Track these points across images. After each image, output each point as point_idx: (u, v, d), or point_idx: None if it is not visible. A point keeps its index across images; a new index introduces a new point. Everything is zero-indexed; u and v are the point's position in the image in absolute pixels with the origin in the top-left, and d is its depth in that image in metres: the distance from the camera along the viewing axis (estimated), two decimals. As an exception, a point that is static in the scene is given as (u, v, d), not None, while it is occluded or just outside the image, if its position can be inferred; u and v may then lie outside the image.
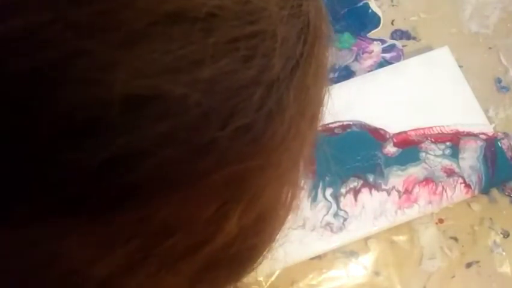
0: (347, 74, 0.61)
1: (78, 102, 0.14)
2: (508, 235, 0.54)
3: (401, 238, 0.54)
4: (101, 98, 0.14)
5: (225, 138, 0.16)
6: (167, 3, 0.15)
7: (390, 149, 0.56)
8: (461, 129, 0.56)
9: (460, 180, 0.54)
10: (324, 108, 0.23)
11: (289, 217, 0.23)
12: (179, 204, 0.16)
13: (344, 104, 0.57)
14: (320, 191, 0.54)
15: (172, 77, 0.15)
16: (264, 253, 0.23)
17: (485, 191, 0.55)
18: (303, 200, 0.53)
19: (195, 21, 0.15)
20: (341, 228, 0.53)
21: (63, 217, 0.15)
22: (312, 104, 0.20)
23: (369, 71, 0.60)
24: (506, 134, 0.58)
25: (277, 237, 0.23)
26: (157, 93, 0.15)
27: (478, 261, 0.53)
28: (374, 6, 0.64)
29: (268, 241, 0.23)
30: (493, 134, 0.56)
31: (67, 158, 0.14)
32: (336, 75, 0.61)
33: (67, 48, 0.14)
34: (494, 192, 0.56)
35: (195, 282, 0.19)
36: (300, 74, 0.18)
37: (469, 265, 0.53)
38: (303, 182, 0.23)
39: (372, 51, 0.62)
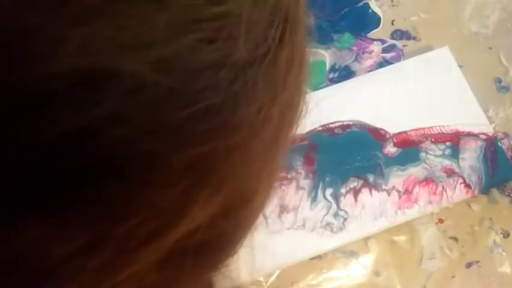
0: (347, 74, 0.61)
1: (28, 77, 0.14)
2: (508, 235, 0.54)
3: (401, 238, 0.54)
4: (52, 73, 0.14)
5: (185, 119, 0.15)
6: None
7: (391, 149, 0.56)
8: (461, 129, 0.56)
9: (460, 180, 0.55)
10: (304, 100, 0.22)
11: (265, 208, 0.23)
12: (136, 187, 0.15)
13: (344, 104, 0.57)
14: (320, 191, 0.54)
15: (127, 55, 0.14)
16: (239, 241, 0.22)
17: (485, 191, 0.55)
18: (303, 200, 0.53)
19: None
20: (341, 228, 0.53)
21: (20, 193, 0.14)
22: (287, 93, 0.19)
23: (369, 71, 0.60)
24: (506, 134, 0.58)
25: (253, 226, 0.23)
26: (110, 71, 0.14)
27: (478, 261, 0.53)
28: (374, 6, 0.64)
29: (241, 229, 0.22)
30: (493, 134, 0.56)
31: (16, 133, 0.14)
32: (336, 75, 0.61)
33: (18, 23, 0.14)
34: (494, 192, 0.56)
35: (161, 270, 0.18)
36: (271, 60, 0.17)
37: (469, 265, 0.53)
38: (283, 175, 0.22)
39: (373, 51, 0.62)
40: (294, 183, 0.54)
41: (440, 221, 0.55)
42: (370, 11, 0.64)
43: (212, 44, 0.16)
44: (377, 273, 0.53)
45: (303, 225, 0.53)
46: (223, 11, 0.16)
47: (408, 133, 0.56)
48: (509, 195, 0.56)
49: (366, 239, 0.54)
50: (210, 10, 0.16)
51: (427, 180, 0.54)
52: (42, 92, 0.14)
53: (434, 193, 0.54)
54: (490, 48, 0.62)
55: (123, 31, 0.14)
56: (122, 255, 0.16)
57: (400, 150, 0.56)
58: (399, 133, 0.56)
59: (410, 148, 0.56)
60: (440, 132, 0.56)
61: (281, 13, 0.18)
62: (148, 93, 0.15)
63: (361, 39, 0.62)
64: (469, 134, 0.56)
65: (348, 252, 0.53)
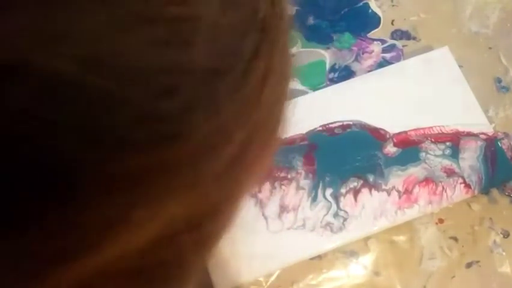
0: (347, 74, 0.61)
1: None
2: (508, 235, 0.54)
3: (401, 238, 0.54)
4: None
5: (117, 125, 0.14)
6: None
7: (391, 149, 0.56)
8: (461, 129, 0.56)
9: (460, 180, 0.55)
10: (284, 119, 0.20)
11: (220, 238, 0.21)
12: (50, 202, 0.14)
13: (344, 104, 0.57)
14: (319, 191, 0.54)
15: (48, 48, 0.13)
16: (211, 249, 0.20)
17: (485, 191, 0.55)
18: (303, 200, 0.53)
19: None
20: (341, 228, 0.53)
21: None
22: (260, 112, 0.17)
23: (369, 71, 0.60)
24: (506, 134, 0.58)
25: (222, 235, 0.21)
26: (23, 63, 0.13)
27: (478, 261, 0.53)
28: (374, 6, 0.64)
29: (208, 241, 0.20)
30: (493, 134, 0.56)
31: None
32: (336, 75, 0.61)
33: None
34: (494, 192, 0.56)
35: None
36: (240, 73, 0.16)
37: (469, 265, 0.53)
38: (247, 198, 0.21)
39: (373, 51, 0.62)
40: (294, 183, 0.54)
41: (440, 221, 0.55)
42: (370, 11, 0.64)
43: (164, 47, 0.14)
44: (377, 273, 0.53)
45: (303, 225, 0.53)
46: (183, 12, 0.15)
47: (408, 133, 0.56)
48: (509, 195, 0.56)
49: (366, 239, 0.54)
50: (168, 9, 0.14)
51: (427, 180, 0.54)
52: None
53: (434, 193, 0.54)
54: (490, 48, 0.62)
55: (50, 22, 0.13)
56: (40, 274, 0.15)
57: (400, 150, 0.56)
58: (399, 133, 0.56)
59: (410, 148, 0.56)
60: (440, 132, 0.56)
61: (256, 23, 0.17)
62: (67, 92, 0.13)
63: (361, 39, 0.62)
64: (469, 134, 0.56)
65: (348, 252, 0.53)
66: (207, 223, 0.19)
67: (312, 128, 0.56)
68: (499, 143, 0.56)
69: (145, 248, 0.16)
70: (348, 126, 0.56)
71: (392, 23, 0.63)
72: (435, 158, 0.55)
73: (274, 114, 0.20)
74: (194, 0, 0.15)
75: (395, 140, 0.56)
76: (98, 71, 0.13)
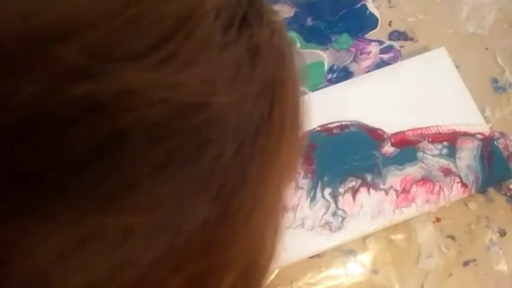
0: (345, 74, 0.61)
1: None
2: (505, 233, 0.55)
3: (398, 237, 0.54)
4: None
5: (181, 246, 0.15)
6: (93, 134, 0.14)
7: (388, 148, 0.56)
8: (458, 129, 0.57)
9: (457, 179, 0.55)
10: (302, 144, 0.21)
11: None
12: None
13: (342, 104, 0.58)
14: (318, 190, 0.54)
15: (109, 210, 0.14)
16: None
17: (481, 190, 0.56)
18: (302, 199, 0.54)
19: (130, 141, 0.14)
20: (339, 227, 0.53)
21: None
22: (281, 158, 0.19)
23: (367, 72, 0.61)
24: (502, 134, 0.58)
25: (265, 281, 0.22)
26: (98, 230, 0.14)
27: (474, 260, 0.54)
28: (371, 8, 0.64)
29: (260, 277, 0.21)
30: (490, 134, 0.57)
31: None
32: (334, 75, 0.61)
33: None
34: (491, 191, 0.56)
35: None
36: (260, 144, 0.17)
37: (466, 263, 0.53)
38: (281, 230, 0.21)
39: (370, 52, 0.62)
40: (293, 183, 0.54)
41: (438, 219, 0.55)
42: (368, 12, 0.64)
43: (200, 158, 0.15)
44: (375, 272, 0.53)
45: (302, 225, 0.53)
46: (204, 120, 0.15)
47: (406, 133, 0.57)
48: (505, 194, 0.56)
49: (365, 238, 0.54)
50: (195, 122, 0.15)
51: (424, 180, 0.55)
52: None
53: (432, 192, 0.55)
54: (487, 48, 0.62)
55: (103, 187, 0.14)
56: None
57: (398, 150, 0.56)
58: (397, 133, 0.57)
59: (407, 148, 0.56)
60: (437, 132, 0.57)
61: (268, 85, 0.18)
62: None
63: (359, 40, 0.63)
64: (466, 134, 0.57)
65: (346, 251, 0.54)
66: (262, 256, 0.20)
67: (310, 128, 0.56)
68: (495, 142, 0.57)
69: None
70: (347, 126, 0.57)
71: (390, 24, 0.64)
72: (432, 157, 0.56)
73: (292, 160, 0.21)
74: (208, 105, 0.16)
75: (392, 140, 0.56)
76: (149, 217, 0.15)
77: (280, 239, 0.21)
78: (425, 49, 0.62)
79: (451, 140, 0.57)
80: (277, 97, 0.18)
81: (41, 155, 0.14)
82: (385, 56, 0.62)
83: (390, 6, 0.65)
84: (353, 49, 0.62)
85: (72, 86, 0.14)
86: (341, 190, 0.54)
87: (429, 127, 0.57)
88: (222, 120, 0.16)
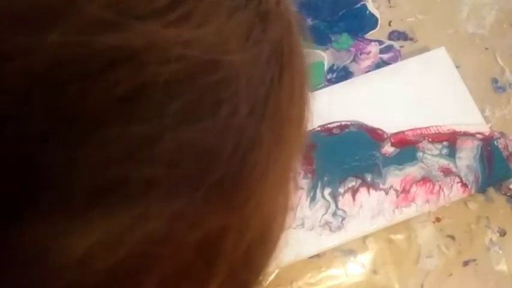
0: (345, 74, 0.61)
1: None
2: (505, 233, 0.55)
3: (398, 237, 0.54)
4: None
5: (199, 200, 0.16)
6: (119, 86, 0.14)
7: (388, 148, 0.56)
8: (457, 129, 0.57)
9: (457, 179, 0.55)
10: (309, 113, 0.22)
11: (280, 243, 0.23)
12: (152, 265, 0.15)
13: (342, 104, 0.58)
14: (318, 190, 0.54)
15: (131, 161, 0.14)
16: (264, 269, 0.22)
17: (481, 190, 0.56)
18: (302, 199, 0.54)
19: (151, 95, 0.15)
20: (339, 227, 0.53)
21: None
22: (291, 123, 0.20)
23: (367, 72, 0.61)
24: (502, 134, 0.58)
25: (275, 256, 0.23)
26: (122, 178, 0.14)
27: (474, 260, 0.54)
28: (371, 8, 0.64)
29: (265, 263, 0.22)
30: (490, 134, 0.57)
31: None
32: (334, 76, 0.61)
33: None
34: (491, 191, 0.56)
35: None
36: (271, 106, 0.18)
37: (466, 263, 0.54)
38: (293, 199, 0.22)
39: (370, 52, 0.62)
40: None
41: (437, 219, 0.55)
42: (368, 12, 0.64)
43: (215, 114, 0.16)
44: (375, 272, 0.53)
45: (302, 225, 0.53)
46: (219, 78, 0.16)
47: (406, 133, 0.57)
48: (505, 194, 0.56)
49: (365, 238, 0.54)
50: (210, 80, 0.16)
51: (424, 180, 0.55)
52: None
53: (431, 192, 0.55)
54: (487, 48, 0.62)
55: (123, 138, 0.15)
56: None
57: (397, 150, 0.56)
58: (397, 133, 0.57)
59: (407, 148, 0.56)
60: (437, 132, 0.57)
61: (275, 58, 0.18)
62: (160, 188, 0.15)
63: (359, 40, 0.63)
64: (466, 134, 0.57)
65: (346, 251, 0.54)
66: (272, 231, 0.21)
67: (310, 128, 0.56)
68: (495, 142, 0.57)
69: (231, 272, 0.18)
70: (346, 126, 0.57)
71: (390, 24, 0.64)
72: (432, 157, 0.56)
73: (301, 128, 0.21)
74: (221, 63, 0.16)
75: (392, 140, 0.56)
76: (174, 164, 0.15)
77: (290, 213, 0.22)
78: (425, 49, 0.62)
79: (450, 140, 0.57)
80: (286, 63, 0.19)
81: (66, 104, 0.14)
82: (385, 56, 0.62)
83: (390, 6, 0.65)
84: (352, 49, 0.62)
85: (99, 37, 0.14)
86: (341, 190, 0.54)
87: (429, 127, 0.57)
88: (235, 79, 0.17)
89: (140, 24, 0.15)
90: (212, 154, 0.16)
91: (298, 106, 0.20)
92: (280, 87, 0.18)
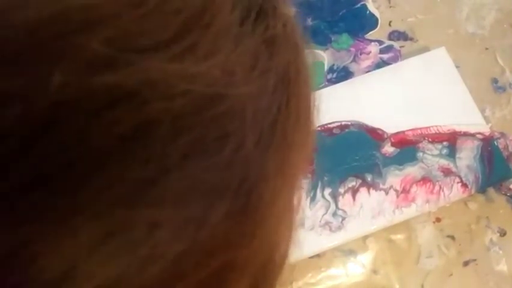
0: (345, 74, 0.61)
1: None
2: (505, 233, 0.55)
3: (398, 237, 0.54)
4: None
5: (205, 238, 0.15)
6: (119, 125, 0.14)
7: (388, 148, 0.56)
8: (458, 129, 0.57)
9: (457, 179, 0.55)
10: (313, 137, 0.22)
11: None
12: None
13: (342, 104, 0.58)
14: (318, 190, 0.54)
15: (135, 204, 0.14)
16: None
17: (481, 190, 0.56)
18: (302, 200, 0.54)
19: (154, 133, 0.14)
20: (339, 227, 0.53)
21: None
22: (296, 149, 0.19)
23: (367, 72, 0.61)
24: (502, 134, 0.58)
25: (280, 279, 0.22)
26: (125, 224, 0.14)
27: (474, 260, 0.54)
28: (371, 8, 0.64)
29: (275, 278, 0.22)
30: (490, 134, 0.57)
31: None
32: (334, 75, 0.61)
33: None
34: (491, 191, 0.56)
35: None
36: (277, 134, 0.17)
37: (466, 263, 0.54)
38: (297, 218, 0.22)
39: (370, 52, 0.62)
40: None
41: (438, 219, 0.55)
42: (368, 12, 0.64)
43: (220, 149, 0.15)
44: (375, 272, 0.53)
45: (302, 225, 0.53)
46: (224, 110, 0.16)
47: (406, 133, 0.57)
48: (505, 194, 0.56)
49: (365, 238, 0.54)
50: (215, 114, 0.15)
51: (424, 180, 0.55)
52: None
53: (432, 192, 0.55)
54: (487, 48, 0.63)
55: (122, 182, 0.14)
56: None
57: (398, 150, 0.56)
58: (397, 133, 0.57)
59: (407, 148, 0.56)
60: (437, 132, 0.57)
61: (284, 78, 0.18)
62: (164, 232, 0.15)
63: (359, 40, 0.63)
64: (466, 134, 0.57)
65: (346, 251, 0.54)
66: (277, 251, 0.20)
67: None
68: (495, 142, 0.57)
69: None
70: (346, 126, 0.57)
71: (390, 24, 0.64)
72: (432, 157, 0.56)
73: (305, 153, 0.21)
74: (226, 96, 0.16)
75: (392, 140, 0.56)
76: (180, 204, 0.15)
77: (294, 236, 0.22)
78: (425, 49, 0.62)
79: (450, 140, 0.57)
80: (292, 89, 0.18)
81: (67, 146, 0.14)
82: (385, 56, 0.62)
83: (390, 6, 0.65)
84: (352, 49, 0.62)
85: (98, 77, 0.14)
86: (341, 190, 0.54)
87: (429, 127, 0.57)
88: (241, 112, 0.16)
89: (142, 60, 0.14)
90: (218, 191, 0.15)
91: (304, 131, 0.20)
92: (287, 114, 0.18)
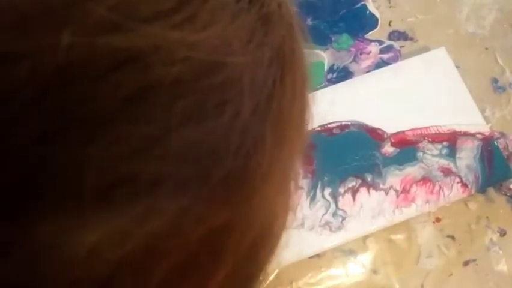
0: (345, 74, 0.61)
1: None
2: (505, 233, 0.55)
3: (398, 237, 0.54)
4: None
5: (205, 196, 0.16)
6: (125, 86, 0.15)
7: (388, 148, 0.56)
8: (458, 129, 0.57)
9: (457, 179, 0.55)
10: (310, 116, 0.23)
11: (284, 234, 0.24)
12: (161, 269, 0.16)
13: (342, 104, 0.58)
14: (318, 190, 0.54)
15: (139, 159, 0.15)
16: (266, 267, 0.23)
17: (481, 190, 0.56)
18: (302, 199, 0.54)
19: (157, 95, 0.15)
20: (339, 227, 0.53)
21: None
22: (293, 125, 0.20)
23: (367, 72, 0.61)
24: (502, 134, 0.58)
25: (276, 253, 0.23)
26: (130, 176, 0.15)
27: (474, 260, 0.54)
28: (371, 8, 0.64)
29: (267, 260, 0.23)
30: (490, 134, 0.57)
31: None
32: (334, 76, 0.61)
33: None
34: (491, 191, 0.56)
35: None
36: (274, 107, 0.18)
37: (466, 263, 0.54)
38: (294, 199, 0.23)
39: (370, 52, 0.62)
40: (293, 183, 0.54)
41: (437, 219, 0.55)
42: (368, 12, 0.64)
43: (219, 114, 0.16)
44: (375, 272, 0.53)
45: (302, 224, 0.53)
46: (222, 80, 0.17)
47: (406, 133, 0.57)
48: (505, 194, 0.56)
49: (365, 238, 0.54)
50: (214, 81, 0.16)
51: (424, 180, 0.55)
52: None
53: (431, 192, 0.55)
54: (487, 48, 0.63)
55: (131, 137, 0.15)
56: None
57: (398, 150, 0.56)
58: (397, 133, 0.57)
59: (407, 148, 0.56)
60: (437, 132, 0.57)
61: (278, 59, 0.19)
62: (167, 185, 0.15)
63: (359, 40, 0.63)
64: (466, 134, 0.57)
65: (346, 251, 0.54)
66: (274, 230, 0.22)
67: (310, 128, 0.56)
68: (495, 142, 0.57)
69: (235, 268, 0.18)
70: (346, 126, 0.57)
71: (390, 24, 0.64)
72: (432, 157, 0.56)
73: (299, 113, 0.22)
74: (225, 65, 0.17)
75: (392, 140, 0.56)
76: (180, 163, 0.16)
77: (291, 212, 0.23)
78: (425, 49, 0.62)
79: (450, 140, 0.57)
80: (287, 65, 0.19)
81: (76, 103, 0.14)
82: (385, 56, 0.62)
83: (390, 6, 0.65)
84: (352, 49, 0.62)
85: (106, 39, 0.15)
86: (341, 190, 0.54)
87: (429, 127, 0.57)
88: (238, 80, 0.17)
89: (146, 27, 0.15)
90: (217, 153, 0.16)
91: (300, 108, 0.21)
92: (282, 89, 0.19)
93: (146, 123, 0.15)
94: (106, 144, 0.15)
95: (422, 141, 0.56)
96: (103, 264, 0.15)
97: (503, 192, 0.56)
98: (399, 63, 0.61)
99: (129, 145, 0.15)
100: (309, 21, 0.63)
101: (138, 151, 0.15)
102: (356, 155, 0.56)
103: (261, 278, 0.22)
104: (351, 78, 0.60)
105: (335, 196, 0.54)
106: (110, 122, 0.15)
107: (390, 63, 0.61)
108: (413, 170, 0.55)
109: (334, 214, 0.54)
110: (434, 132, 0.57)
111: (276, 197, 0.20)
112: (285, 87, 0.19)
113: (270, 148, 0.18)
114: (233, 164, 0.17)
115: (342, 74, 0.61)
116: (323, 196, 0.54)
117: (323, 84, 0.60)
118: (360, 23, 0.64)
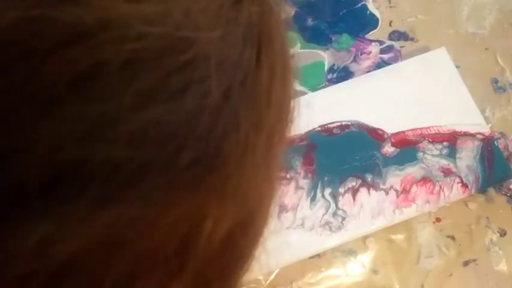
0: (345, 74, 0.61)
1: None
2: (505, 234, 0.55)
3: (398, 237, 0.54)
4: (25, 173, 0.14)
5: (169, 183, 0.15)
6: (73, 65, 0.14)
7: (388, 149, 0.56)
8: (458, 129, 0.57)
9: (457, 179, 0.55)
10: (294, 103, 0.21)
11: (270, 221, 0.22)
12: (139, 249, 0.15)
13: (342, 104, 0.58)
14: (318, 190, 0.54)
15: (89, 142, 0.14)
16: (252, 253, 0.22)
17: (482, 190, 0.56)
18: (302, 199, 0.54)
19: (111, 73, 0.14)
20: (339, 227, 0.53)
21: None
22: (273, 109, 0.19)
23: (367, 72, 0.61)
24: (502, 134, 0.58)
25: (260, 243, 0.22)
26: (80, 160, 0.14)
27: (474, 260, 0.54)
28: (372, 8, 0.64)
29: (249, 250, 0.22)
30: (490, 134, 0.57)
31: None
32: (335, 75, 0.61)
33: None
34: (491, 191, 0.56)
35: None
36: (248, 89, 0.17)
37: (466, 263, 0.54)
38: (282, 177, 0.22)
39: (370, 52, 0.62)
40: (293, 183, 0.54)
41: (438, 220, 0.55)
42: (368, 12, 0.64)
43: (184, 94, 0.15)
44: (375, 272, 0.53)
45: (302, 225, 0.53)
46: (187, 58, 0.15)
47: (406, 133, 0.57)
48: (505, 195, 0.56)
49: (365, 238, 0.54)
50: (178, 60, 0.15)
51: (425, 180, 0.55)
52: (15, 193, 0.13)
53: (432, 192, 0.55)
54: (487, 49, 0.63)
55: (83, 120, 0.14)
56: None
57: (398, 150, 0.56)
58: (397, 133, 0.57)
59: (407, 148, 0.56)
60: (437, 132, 0.57)
61: (251, 39, 0.17)
62: (125, 171, 0.14)
63: (359, 40, 0.63)
64: (466, 134, 0.57)
65: (346, 251, 0.54)
66: (259, 212, 0.20)
67: (311, 128, 0.56)
68: (495, 142, 0.57)
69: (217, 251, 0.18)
70: (347, 126, 0.57)
71: (390, 24, 0.64)
72: (432, 157, 0.56)
73: (285, 106, 0.21)
74: (190, 43, 0.16)
75: (392, 140, 0.56)
76: (138, 145, 0.15)
77: (275, 205, 0.22)
78: (425, 49, 0.62)
79: (451, 140, 0.57)
80: (264, 46, 0.18)
81: (24, 81, 0.14)
82: (385, 56, 0.62)
83: (391, 6, 0.65)
84: (353, 49, 0.62)
85: (53, 12, 0.14)
86: (341, 190, 0.54)
87: (429, 127, 0.57)
88: (205, 59, 0.16)
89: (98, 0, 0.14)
90: (182, 135, 0.15)
91: (280, 92, 0.19)
92: (258, 70, 0.17)
93: (98, 102, 0.14)
94: (52, 126, 0.14)
95: (422, 142, 0.56)
96: (54, 258, 0.14)
97: (503, 192, 0.56)
98: (400, 64, 0.61)
99: (77, 126, 0.14)
100: (310, 22, 0.63)
101: (88, 132, 0.14)
102: (356, 155, 0.56)
103: (245, 268, 0.21)
104: (351, 78, 0.60)
105: (335, 196, 0.54)
106: (56, 102, 0.14)
107: (391, 64, 0.61)
108: (413, 170, 0.55)
109: (334, 214, 0.54)
110: (434, 132, 0.57)
111: (255, 185, 0.19)
112: (261, 69, 0.18)
113: (245, 131, 0.17)
114: (202, 149, 0.16)
115: (343, 74, 0.61)
116: (323, 196, 0.54)
117: (323, 84, 0.60)
118: (360, 23, 0.64)
